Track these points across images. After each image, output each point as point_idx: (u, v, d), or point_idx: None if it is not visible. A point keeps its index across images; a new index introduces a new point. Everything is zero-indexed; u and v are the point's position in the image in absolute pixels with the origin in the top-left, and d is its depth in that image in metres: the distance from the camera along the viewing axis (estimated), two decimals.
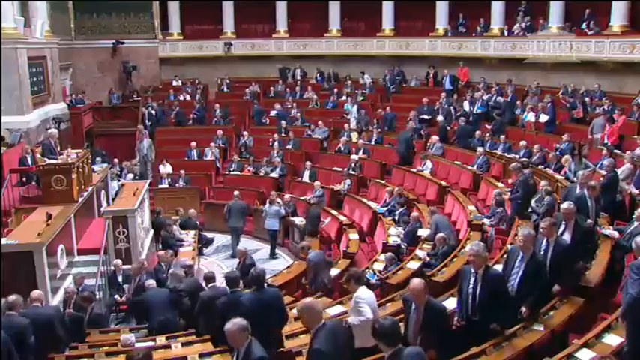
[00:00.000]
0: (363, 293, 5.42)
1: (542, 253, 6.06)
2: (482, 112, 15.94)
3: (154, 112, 18.21)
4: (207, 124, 18.77)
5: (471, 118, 15.92)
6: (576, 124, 13.81)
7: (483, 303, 5.31)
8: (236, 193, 13.53)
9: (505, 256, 6.26)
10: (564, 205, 6.74)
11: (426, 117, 16.21)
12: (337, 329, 4.64)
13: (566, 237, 6.55)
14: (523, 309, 5.53)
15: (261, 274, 5.98)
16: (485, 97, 16.39)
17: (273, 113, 19.03)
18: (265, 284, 6.45)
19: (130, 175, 14.99)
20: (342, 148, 16.10)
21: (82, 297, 7.46)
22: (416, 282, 5.21)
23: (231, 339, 4.49)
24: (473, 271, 5.41)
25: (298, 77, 21.44)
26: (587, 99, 14.51)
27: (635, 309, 4.94)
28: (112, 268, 9.59)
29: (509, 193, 10.00)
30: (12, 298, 5.91)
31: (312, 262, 8.71)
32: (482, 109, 15.97)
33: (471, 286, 5.41)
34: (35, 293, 6.56)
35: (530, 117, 14.85)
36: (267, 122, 18.73)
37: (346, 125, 17.26)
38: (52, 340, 6.23)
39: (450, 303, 6.27)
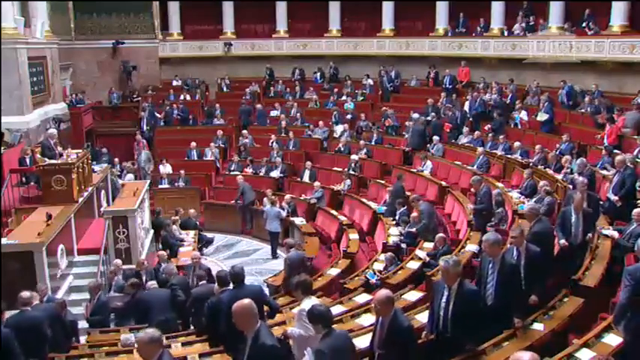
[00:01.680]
0: (309, 305, 5.09)
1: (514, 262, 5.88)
2: (477, 113, 15.91)
3: (147, 114, 18.02)
4: (193, 123, 18.82)
5: (470, 118, 15.96)
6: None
7: (457, 320, 5.00)
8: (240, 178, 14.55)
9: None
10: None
11: (429, 119, 16.21)
12: (269, 329, 4.59)
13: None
14: (516, 320, 5.39)
15: (239, 272, 5.90)
16: (486, 97, 16.39)
17: (273, 113, 19.07)
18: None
19: (130, 175, 14.99)
20: (342, 149, 16.10)
21: (57, 304, 7.41)
22: (379, 293, 4.87)
23: (139, 350, 4.16)
24: (446, 285, 5.11)
25: (297, 77, 21.43)
26: (586, 98, 14.49)
27: (625, 315, 4.97)
28: (112, 268, 9.59)
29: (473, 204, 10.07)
30: (26, 294, 6.15)
31: (288, 261, 8.61)
32: (477, 109, 15.93)
33: (444, 300, 5.10)
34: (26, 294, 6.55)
35: (523, 116, 14.86)
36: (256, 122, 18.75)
37: (346, 125, 17.26)
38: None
39: None
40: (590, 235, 7.45)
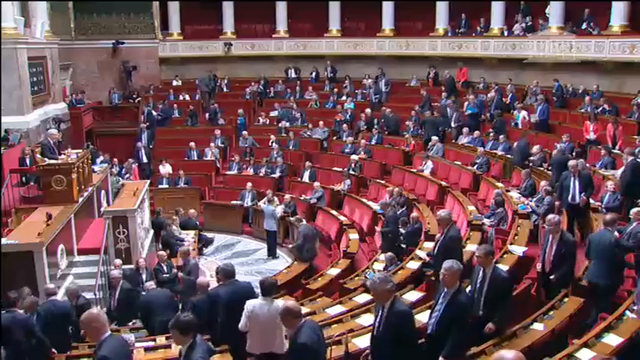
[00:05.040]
0: (253, 302, 5.48)
1: (477, 284, 5.52)
2: (473, 114, 15.88)
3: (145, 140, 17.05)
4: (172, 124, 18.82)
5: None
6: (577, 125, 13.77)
7: (383, 343, 4.76)
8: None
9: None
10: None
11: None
12: (120, 341, 4.45)
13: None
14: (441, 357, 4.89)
15: (231, 269, 6.23)
16: (484, 97, 16.39)
17: (273, 113, 19.06)
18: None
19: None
20: (347, 149, 16.03)
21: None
22: (284, 304, 4.76)
23: None
24: (380, 305, 4.84)
25: (293, 76, 21.42)
26: (586, 98, 14.53)
27: None
28: (112, 268, 9.58)
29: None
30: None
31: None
32: (473, 110, 15.89)
33: (377, 320, 4.83)
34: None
35: (524, 115, 14.92)
36: (223, 122, 18.77)
37: (344, 125, 17.27)
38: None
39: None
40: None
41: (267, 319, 5.35)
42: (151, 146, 16.93)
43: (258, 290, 5.86)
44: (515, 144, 12.85)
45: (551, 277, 6.46)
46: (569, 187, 9.06)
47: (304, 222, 11.33)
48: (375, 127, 16.91)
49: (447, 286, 5.05)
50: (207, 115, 19.12)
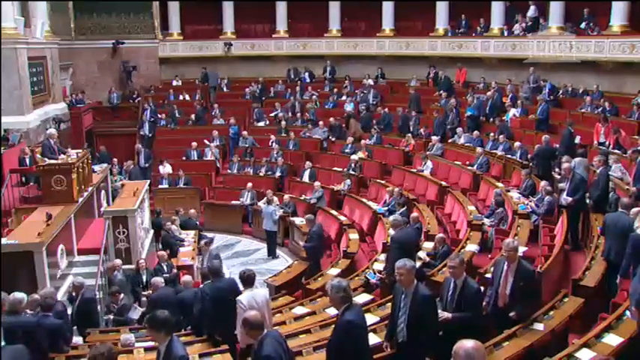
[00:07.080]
0: (243, 296, 5.81)
1: (449, 296, 5.34)
2: (473, 115, 15.83)
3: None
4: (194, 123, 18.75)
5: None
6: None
7: (332, 349, 4.78)
8: None
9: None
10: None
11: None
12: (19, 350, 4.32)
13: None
14: None
15: (218, 267, 6.75)
16: (486, 97, 16.39)
17: (273, 113, 19.07)
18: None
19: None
20: (348, 149, 16.04)
21: None
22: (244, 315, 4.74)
23: None
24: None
25: (293, 77, 21.42)
26: (587, 98, 14.53)
27: None
28: (110, 264, 9.56)
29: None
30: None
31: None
32: (473, 111, 15.85)
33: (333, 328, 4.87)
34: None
35: (515, 113, 14.98)
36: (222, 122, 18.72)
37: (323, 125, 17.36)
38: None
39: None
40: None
41: (260, 307, 5.67)
42: (147, 165, 16.09)
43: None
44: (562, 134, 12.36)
45: (511, 314, 5.57)
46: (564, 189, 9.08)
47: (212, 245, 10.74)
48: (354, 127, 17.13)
49: (404, 285, 5.00)
50: (193, 116, 18.79)
